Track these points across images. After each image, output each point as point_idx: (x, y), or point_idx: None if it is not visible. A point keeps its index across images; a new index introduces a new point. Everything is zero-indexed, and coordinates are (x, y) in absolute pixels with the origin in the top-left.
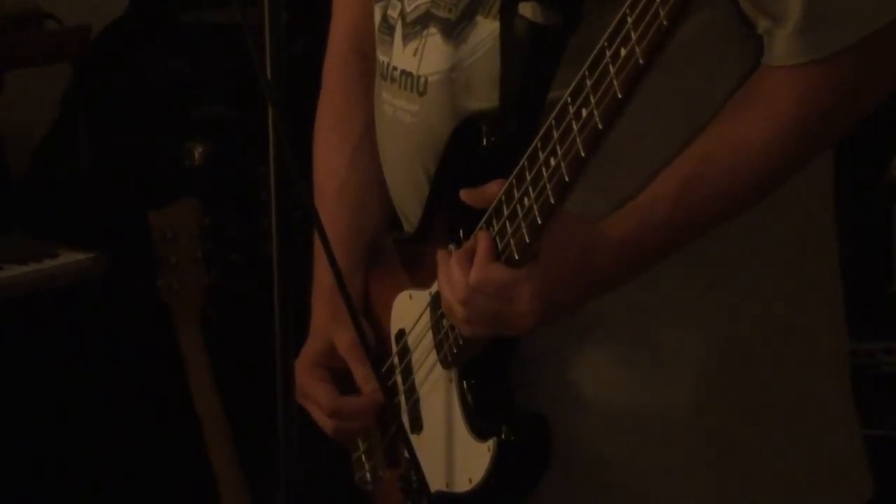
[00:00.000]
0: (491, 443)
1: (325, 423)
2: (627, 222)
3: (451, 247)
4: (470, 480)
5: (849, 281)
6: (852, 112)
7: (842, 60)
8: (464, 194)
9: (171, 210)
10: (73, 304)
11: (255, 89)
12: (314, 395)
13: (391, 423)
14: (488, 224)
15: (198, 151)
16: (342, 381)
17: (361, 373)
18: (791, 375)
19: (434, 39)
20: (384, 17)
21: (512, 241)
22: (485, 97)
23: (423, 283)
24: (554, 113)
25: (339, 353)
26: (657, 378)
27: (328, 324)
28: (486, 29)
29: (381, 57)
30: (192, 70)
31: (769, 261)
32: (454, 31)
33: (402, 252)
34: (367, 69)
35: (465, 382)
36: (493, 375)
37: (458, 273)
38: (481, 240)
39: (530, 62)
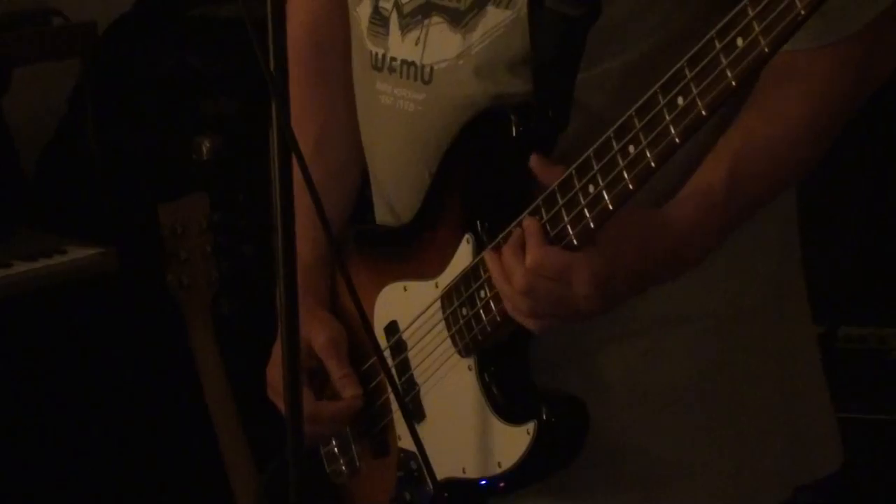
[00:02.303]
0: (531, 426)
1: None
2: (684, 210)
3: (468, 236)
4: (499, 464)
5: (866, 267)
6: (870, 86)
7: (864, 36)
8: (534, 160)
9: (179, 204)
10: (82, 299)
11: (263, 83)
12: None
13: (385, 414)
14: (535, 213)
15: (206, 145)
16: (316, 379)
17: (338, 374)
18: (784, 341)
19: (438, 28)
20: (376, 10)
21: (570, 229)
22: (494, 82)
23: (420, 275)
24: (636, 105)
25: (314, 353)
26: (662, 345)
27: (304, 321)
28: (498, 17)
29: (373, 49)
30: (199, 64)
31: (764, 229)
32: (463, 19)
33: (387, 243)
34: (324, 64)
35: (488, 369)
36: (514, 359)
37: (513, 262)
38: (530, 226)
39: (560, 52)
